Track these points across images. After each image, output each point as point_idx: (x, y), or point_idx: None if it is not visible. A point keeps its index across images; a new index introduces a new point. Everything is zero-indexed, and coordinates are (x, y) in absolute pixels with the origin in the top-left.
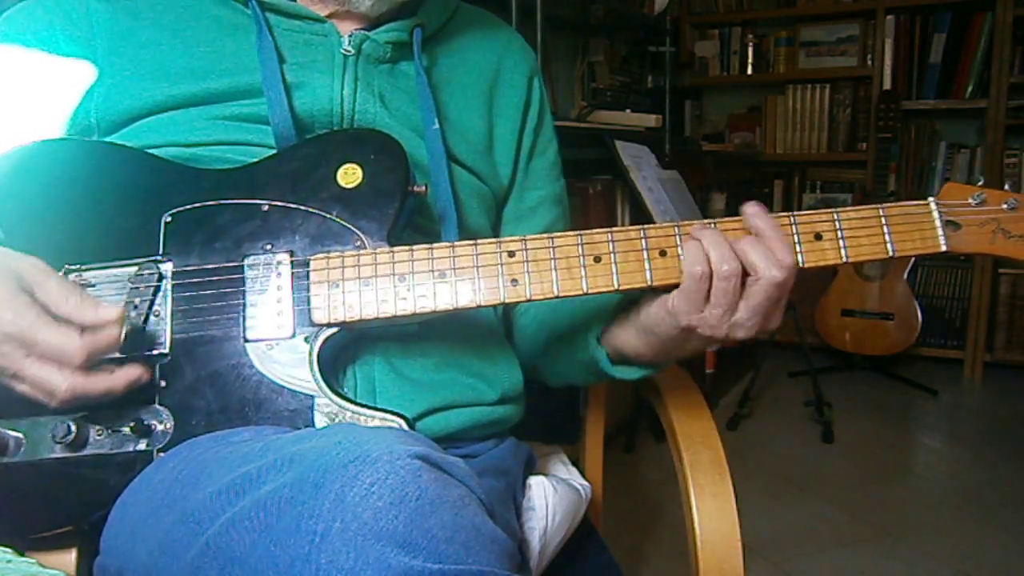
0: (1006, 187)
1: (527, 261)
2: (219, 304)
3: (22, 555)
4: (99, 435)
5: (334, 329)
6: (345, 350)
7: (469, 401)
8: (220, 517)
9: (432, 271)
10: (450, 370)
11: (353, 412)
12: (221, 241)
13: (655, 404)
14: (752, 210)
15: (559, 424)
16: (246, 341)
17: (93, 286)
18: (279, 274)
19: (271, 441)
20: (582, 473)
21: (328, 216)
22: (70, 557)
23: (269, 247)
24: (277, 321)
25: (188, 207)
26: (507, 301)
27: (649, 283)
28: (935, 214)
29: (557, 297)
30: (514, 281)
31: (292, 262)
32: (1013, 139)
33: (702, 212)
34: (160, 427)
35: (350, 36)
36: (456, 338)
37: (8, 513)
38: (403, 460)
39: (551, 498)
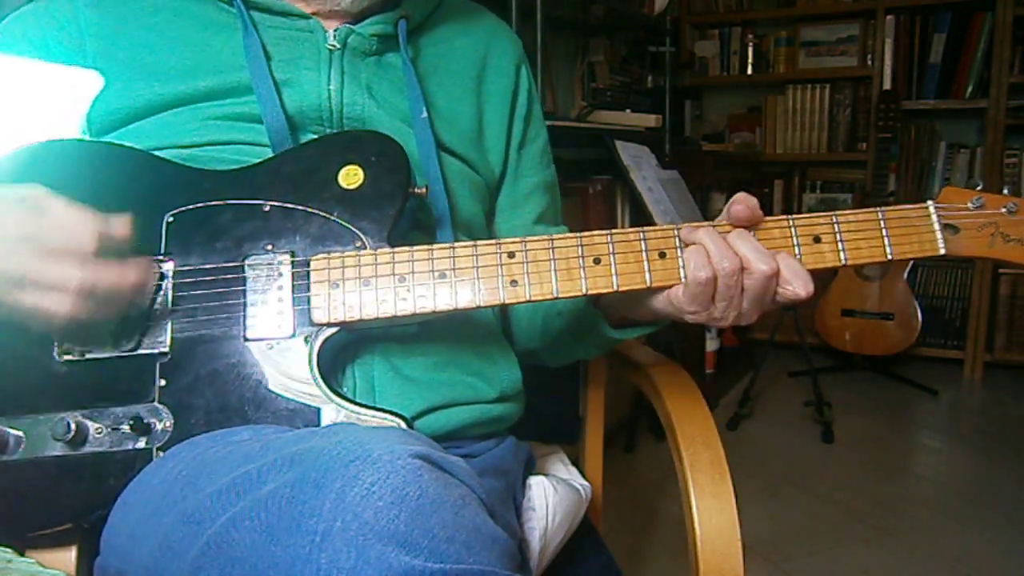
0: (1005, 190)
1: (527, 262)
2: (220, 303)
3: (22, 555)
4: (99, 433)
5: (334, 329)
6: (345, 350)
7: (468, 399)
8: (221, 517)
9: (432, 272)
10: (449, 369)
11: (352, 411)
12: (222, 241)
13: (655, 404)
14: (740, 206)
15: (559, 424)
16: (246, 340)
17: None
18: (280, 274)
19: (271, 441)
20: (582, 473)
21: (329, 217)
22: (70, 556)
23: (270, 247)
24: (277, 321)
25: (190, 207)
26: (507, 302)
27: (648, 284)
28: (933, 217)
29: (556, 298)
30: (513, 282)
31: (293, 262)
32: (1013, 139)
33: (702, 212)
34: (160, 425)
35: (335, 31)
36: (455, 338)
37: (8, 511)
38: (404, 460)
39: (551, 498)
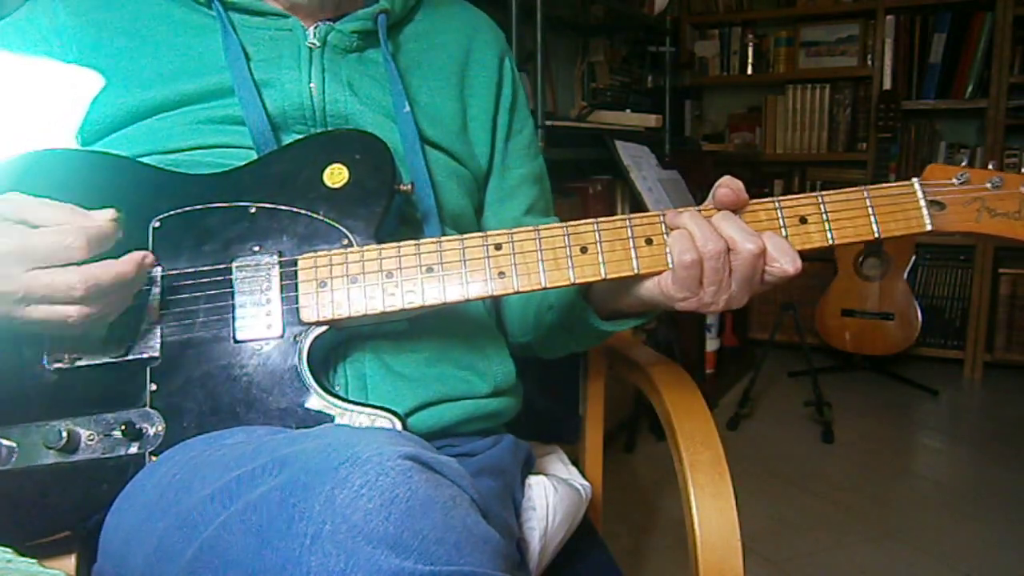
0: (989, 165)
1: (514, 254)
2: (208, 306)
3: (22, 555)
4: (91, 440)
5: (323, 328)
6: (335, 348)
7: (461, 394)
8: (214, 520)
9: (419, 267)
10: (441, 364)
11: (345, 410)
12: (209, 244)
13: (655, 404)
14: (724, 190)
15: (559, 424)
16: (236, 342)
17: None
18: (268, 275)
19: (263, 443)
20: (582, 473)
21: (315, 216)
22: (70, 562)
23: (257, 249)
24: (266, 321)
25: (176, 212)
26: (495, 294)
27: (636, 271)
28: (919, 194)
29: (544, 289)
30: (501, 274)
31: (280, 263)
32: (1013, 139)
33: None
34: (152, 430)
35: (315, 29)
36: (446, 332)
37: (4, 520)
38: (393, 461)
39: (551, 498)
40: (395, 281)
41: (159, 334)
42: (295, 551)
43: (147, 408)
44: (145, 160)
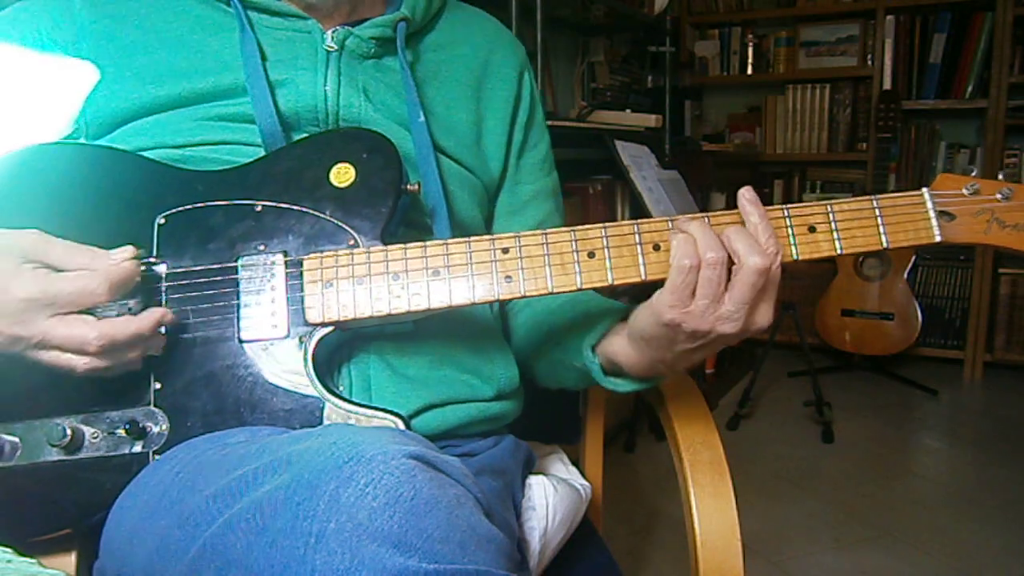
0: (999, 176)
1: (521, 258)
2: (213, 305)
3: (22, 555)
4: (95, 438)
5: (329, 328)
6: (340, 349)
7: (465, 398)
8: (217, 519)
9: (426, 269)
10: (446, 367)
11: (349, 411)
12: (215, 242)
13: (655, 404)
14: (748, 195)
15: (559, 424)
16: (241, 342)
17: None
18: (273, 274)
19: (267, 442)
20: (582, 473)
21: (321, 216)
22: (70, 560)
23: (263, 247)
24: (272, 321)
25: (181, 208)
26: (501, 298)
27: (643, 277)
28: (929, 205)
29: (551, 293)
30: (508, 278)
31: (286, 262)
32: (1013, 139)
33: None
34: (156, 429)
35: (333, 32)
36: (451, 335)
37: (6, 517)
38: (398, 460)
39: (551, 498)
40: (401, 283)
41: (164, 332)
42: (299, 550)
43: (151, 407)
44: (152, 154)
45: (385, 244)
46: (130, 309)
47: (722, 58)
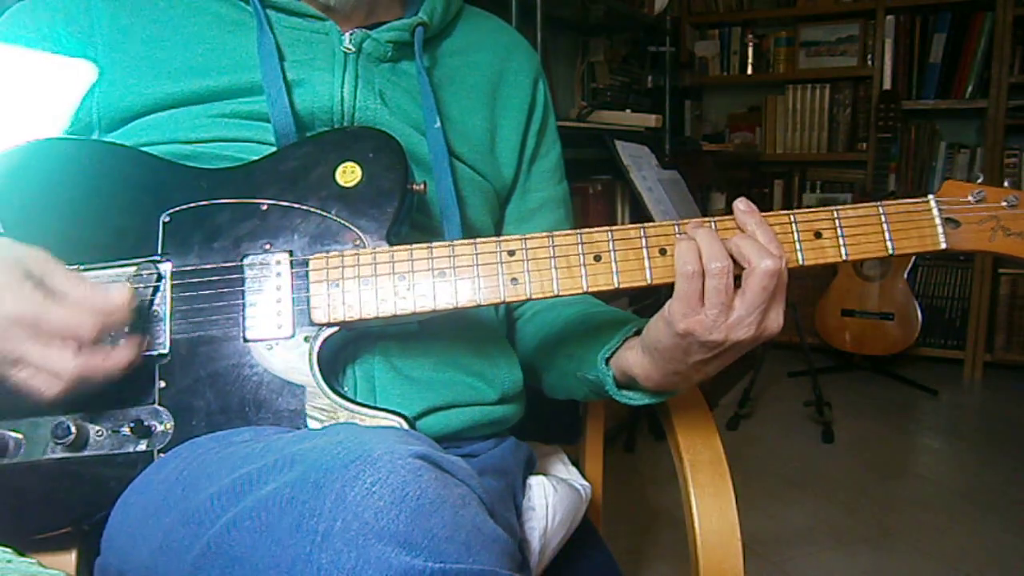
0: (1005, 183)
1: (527, 260)
2: (218, 304)
3: (22, 555)
4: (99, 436)
5: (334, 329)
6: (345, 349)
7: (469, 401)
8: (221, 518)
9: (432, 270)
10: (450, 370)
11: (353, 412)
12: (220, 241)
13: (655, 405)
14: (743, 207)
15: (559, 424)
16: (246, 341)
17: None
18: (278, 274)
19: (272, 441)
20: (582, 473)
21: (327, 215)
22: (70, 558)
23: (268, 246)
24: (277, 321)
25: (187, 206)
26: (507, 300)
27: (649, 281)
28: (935, 211)
29: (557, 296)
30: (514, 280)
31: (291, 261)
32: (1013, 139)
33: (702, 212)
34: (160, 428)
35: (351, 34)
36: (456, 337)
37: (8, 514)
38: (404, 459)
39: (551, 498)
40: (407, 283)
41: (168, 331)
42: (305, 548)
43: (156, 405)
44: (163, 149)
45: (391, 244)
46: (113, 339)
47: (722, 58)
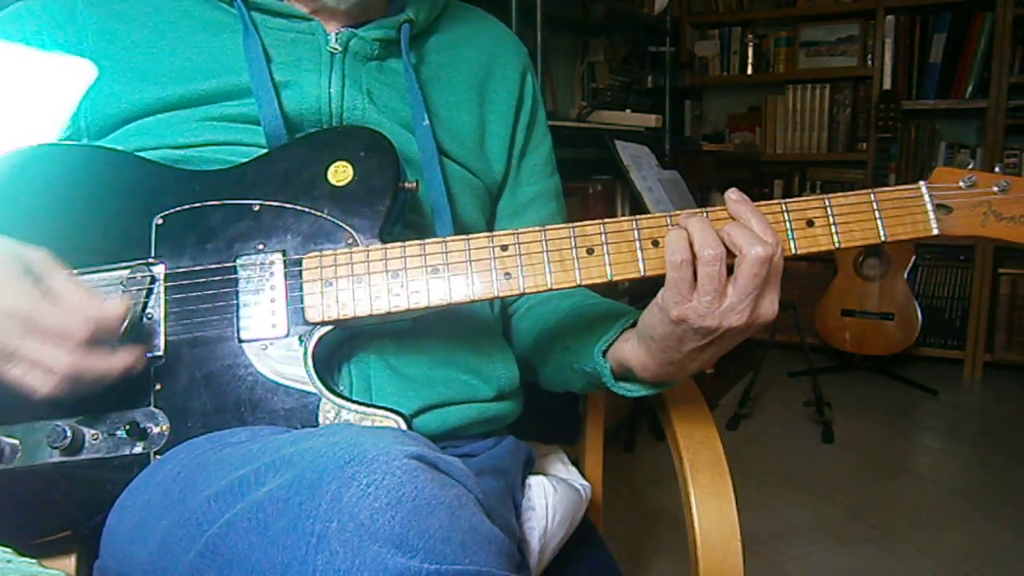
0: (996, 168)
1: (520, 255)
2: (212, 305)
3: (22, 555)
4: (95, 439)
5: (328, 327)
6: (340, 348)
7: (465, 398)
8: (219, 519)
9: (425, 267)
10: (446, 367)
11: (350, 410)
12: (213, 242)
13: (655, 404)
14: (735, 196)
15: (559, 424)
16: (240, 341)
17: None
18: (272, 274)
19: (268, 442)
20: (582, 473)
21: (320, 214)
22: (70, 561)
23: (261, 247)
24: (271, 320)
25: (179, 209)
26: (501, 295)
27: (642, 273)
28: (926, 197)
29: (550, 290)
30: (507, 275)
31: (285, 261)
32: (1013, 139)
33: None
34: (156, 429)
35: (337, 34)
36: (451, 335)
37: (7, 519)
38: (400, 460)
39: (551, 498)
40: (400, 281)
41: (163, 333)
42: (301, 549)
43: (152, 407)
44: (153, 154)
45: (384, 243)
46: (109, 344)
47: (722, 58)
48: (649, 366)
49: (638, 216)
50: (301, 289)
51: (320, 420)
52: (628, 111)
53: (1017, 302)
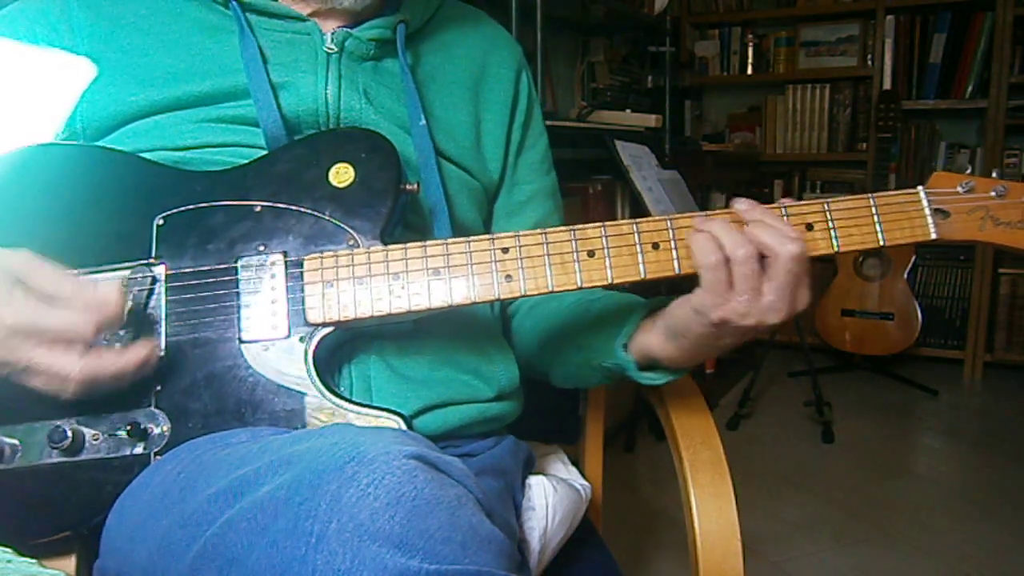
0: (993, 173)
1: (521, 257)
2: (214, 306)
3: (22, 555)
4: (95, 440)
5: (329, 328)
6: (341, 349)
7: (466, 398)
8: (218, 519)
9: (426, 268)
10: (446, 368)
11: (349, 411)
12: (214, 243)
13: (655, 404)
14: (744, 206)
15: (559, 424)
16: (241, 342)
17: None
18: (273, 275)
19: (268, 442)
20: (582, 473)
21: (321, 216)
22: (70, 561)
23: (262, 248)
24: (272, 322)
25: (180, 209)
26: (502, 297)
27: (642, 276)
28: (924, 203)
29: (551, 292)
30: (508, 277)
31: (286, 262)
32: (1013, 139)
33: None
34: (157, 430)
35: (332, 34)
36: (451, 335)
37: (7, 520)
38: (399, 460)
39: (551, 498)
40: (401, 282)
41: (164, 333)
42: (301, 550)
43: (152, 408)
44: (152, 156)
45: (384, 244)
46: (120, 339)
47: (722, 58)
48: (677, 359)
49: (638, 219)
50: (302, 290)
51: (319, 421)
52: (628, 111)
53: (1017, 302)
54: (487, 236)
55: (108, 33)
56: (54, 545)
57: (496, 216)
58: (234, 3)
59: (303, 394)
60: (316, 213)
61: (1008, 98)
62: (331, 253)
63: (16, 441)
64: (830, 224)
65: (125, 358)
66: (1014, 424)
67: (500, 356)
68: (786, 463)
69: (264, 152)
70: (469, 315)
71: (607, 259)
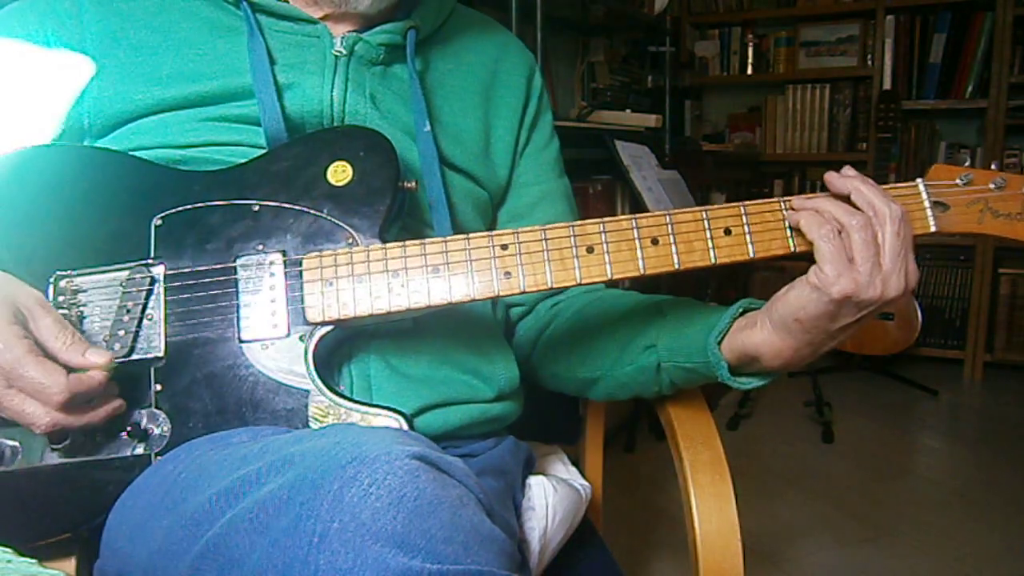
0: (992, 165)
1: (520, 254)
2: (213, 306)
3: (22, 555)
4: (96, 441)
5: (329, 327)
6: (340, 348)
7: (466, 398)
8: (219, 519)
9: (425, 266)
10: (446, 367)
11: (350, 410)
12: (213, 242)
13: (655, 404)
14: (849, 171)
15: (559, 424)
16: (241, 342)
17: (84, 291)
18: (272, 274)
19: (269, 442)
20: (582, 473)
21: (319, 214)
22: (70, 562)
23: (261, 247)
24: (272, 321)
25: (178, 209)
26: (501, 294)
27: (642, 271)
28: (923, 195)
29: (550, 288)
30: (507, 273)
31: (285, 261)
32: (1013, 139)
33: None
34: (157, 431)
35: (342, 38)
36: (452, 335)
37: (7, 522)
38: (401, 460)
39: (551, 498)
40: (401, 280)
41: (163, 334)
42: (303, 549)
43: (153, 408)
44: (153, 153)
45: (383, 242)
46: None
47: (722, 58)
48: (784, 352)
49: (637, 215)
50: (301, 289)
51: (320, 420)
52: (628, 111)
53: (1017, 302)
54: (486, 233)
55: (118, 30)
56: (54, 547)
57: (501, 222)
58: (245, 4)
59: (304, 393)
60: (314, 212)
61: (1008, 98)
62: (330, 252)
63: (16, 443)
64: None
65: (91, 416)
66: (1014, 424)
67: (500, 357)
68: (786, 463)
69: (265, 151)
70: (469, 315)
71: (606, 255)
